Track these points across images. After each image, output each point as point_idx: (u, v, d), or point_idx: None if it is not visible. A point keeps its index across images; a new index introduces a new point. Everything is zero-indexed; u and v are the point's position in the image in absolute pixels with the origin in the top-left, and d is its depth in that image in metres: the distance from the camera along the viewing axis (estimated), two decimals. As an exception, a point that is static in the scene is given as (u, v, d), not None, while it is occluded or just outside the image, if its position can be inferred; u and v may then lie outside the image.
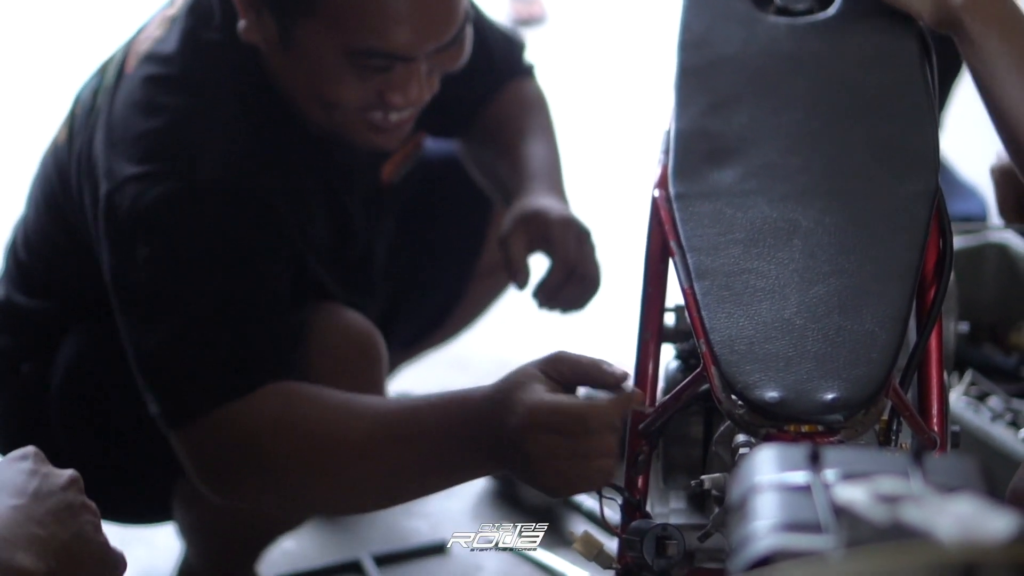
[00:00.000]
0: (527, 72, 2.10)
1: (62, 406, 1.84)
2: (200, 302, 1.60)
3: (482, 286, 2.26)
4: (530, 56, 2.14)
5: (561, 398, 1.38)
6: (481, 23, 2.00)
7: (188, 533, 1.95)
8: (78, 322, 1.86)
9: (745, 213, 1.44)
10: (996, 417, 2.22)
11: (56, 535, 1.13)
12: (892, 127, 1.53)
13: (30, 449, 1.20)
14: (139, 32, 1.78)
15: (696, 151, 1.51)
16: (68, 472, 1.19)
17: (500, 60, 2.04)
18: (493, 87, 2.04)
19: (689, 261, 1.40)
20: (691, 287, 1.39)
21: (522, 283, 1.87)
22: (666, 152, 1.54)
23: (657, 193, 1.55)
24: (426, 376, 2.44)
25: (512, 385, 1.41)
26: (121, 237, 1.64)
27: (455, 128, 2.05)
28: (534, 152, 1.97)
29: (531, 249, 1.86)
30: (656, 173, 1.57)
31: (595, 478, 1.39)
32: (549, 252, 1.86)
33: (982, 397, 2.28)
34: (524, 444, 1.38)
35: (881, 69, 1.59)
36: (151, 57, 1.71)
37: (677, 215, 1.45)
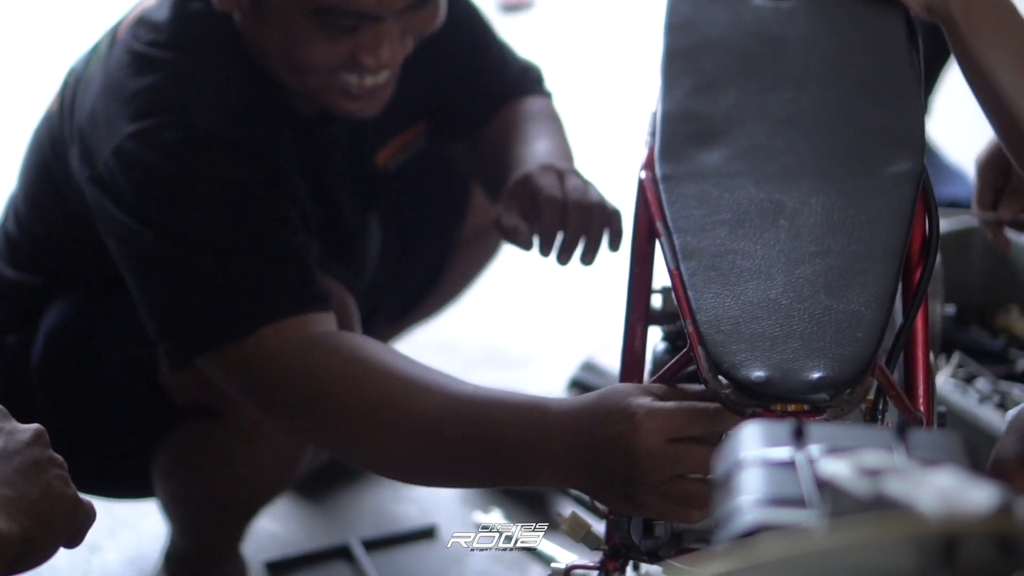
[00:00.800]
0: (543, 92, 2.07)
1: (42, 374, 1.85)
2: (221, 239, 1.62)
3: (466, 257, 2.26)
4: (531, 57, 2.12)
5: (685, 403, 1.32)
6: (495, 40, 2.02)
7: (168, 505, 1.95)
8: (64, 294, 1.87)
9: (731, 194, 1.44)
10: (983, 399, 2.23)
11: (26, 494, 1.11)
12: (878, 109, 1.53)
13: None
14: (131, 11, 1.81)
15: (682, 133, 1.51)
16: (32, 426, 1.16)
17: (508, 73, 2.04)
18: (501, 98, 2.02)
19: (675, 242, 1.40)
20: (677, 268, 1.39)
21: (525, 244, 1.76)
22: (652, 134, 1.54)
23: (643, 174, 1.55)
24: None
25: (622, 394, 1.35)
26: (123, 194, 1.65)
27: (459, 133, 2.04)
28: (533, 148, 1.93)
29: (525, 214, 1.76)
30: (643, 155, 1.57)
31: (694, 508, 1.32)
32: (536, 201, 1.75)
33: (969, 379, 2.29)
34: (634, 447, 1.31)
35: (867, 52, 1.59)
36: (142, 21, 1.74)
37: (663, 196, 1.45)
